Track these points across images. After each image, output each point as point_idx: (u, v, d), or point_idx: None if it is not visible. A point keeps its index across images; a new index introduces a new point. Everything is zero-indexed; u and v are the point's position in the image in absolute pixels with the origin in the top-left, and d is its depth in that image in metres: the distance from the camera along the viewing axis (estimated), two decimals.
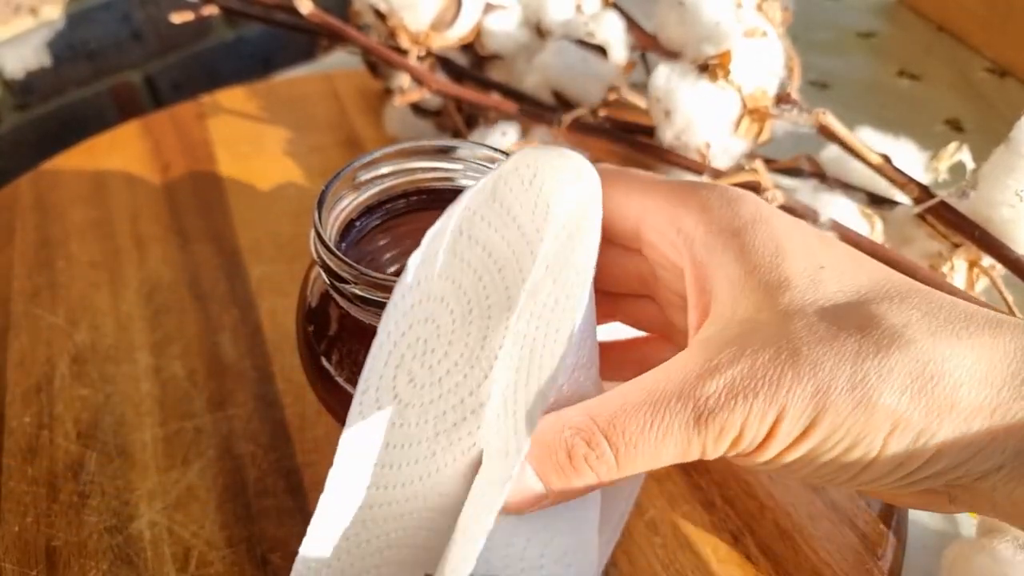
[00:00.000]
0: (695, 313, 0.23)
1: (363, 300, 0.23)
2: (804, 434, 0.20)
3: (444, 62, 0.47)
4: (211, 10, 0.48)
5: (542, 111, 0.42)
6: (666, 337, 0.28)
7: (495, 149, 0.26)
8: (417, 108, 0.48)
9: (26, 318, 0.40)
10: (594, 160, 0.24)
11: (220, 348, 0.38)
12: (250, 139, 0.51)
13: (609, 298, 0.27)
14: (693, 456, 0.20)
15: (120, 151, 0.51)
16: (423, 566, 0.26)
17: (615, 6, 0.46)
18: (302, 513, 0.32)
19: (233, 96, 0.55)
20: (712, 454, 0.20)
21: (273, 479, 0.33)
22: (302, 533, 0.31)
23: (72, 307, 0.41)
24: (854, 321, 0.20)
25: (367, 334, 0.24)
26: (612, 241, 0.25)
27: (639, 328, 0.29)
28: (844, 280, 0.21)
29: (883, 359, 0.19)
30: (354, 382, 0.25)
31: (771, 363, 0.20)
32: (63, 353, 0.39)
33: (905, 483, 0.20)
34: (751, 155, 0.38)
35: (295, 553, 0.30)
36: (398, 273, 0.27)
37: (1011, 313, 0.33)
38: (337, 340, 0.26)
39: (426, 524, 0.24)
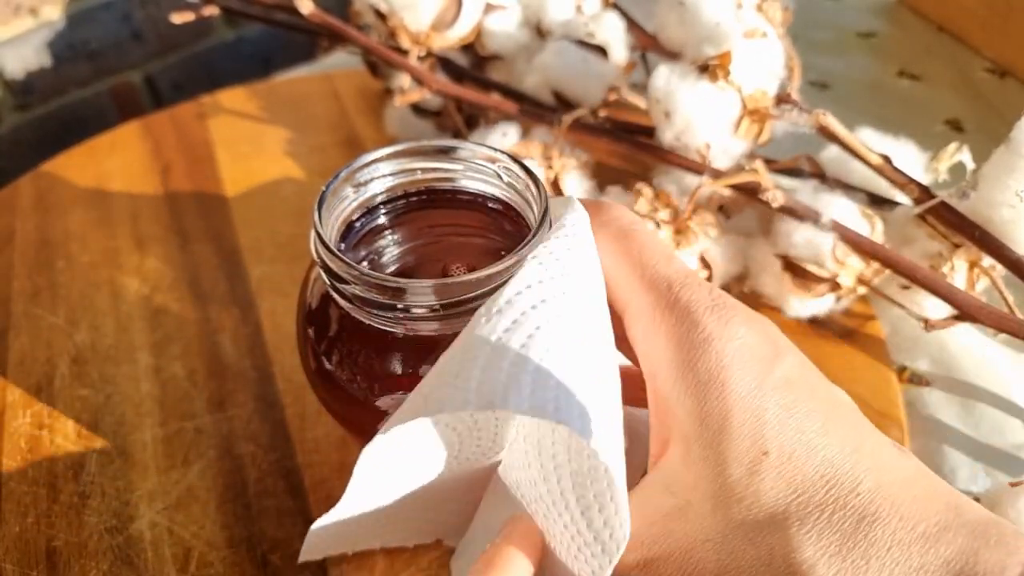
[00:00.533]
0: (656, 440, 0.23)
1: (363, 301, 0.23)
2: None
3: (444, 62, 0.47)
4: (211, 10, 0.48)
5: (542, 111, 0.42)
6: None
7: (495, 149, 0.26)
8: (417, 108, 0.48)
9: (26, 318, 0.40)
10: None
11: (220, 348, 0.38)
12: (250, 139, 0.51)
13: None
14: None
15: (120, 151, 0.51)
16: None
17: (615, 6, 0.46)
18: (302, 513, 0.32)
19: (233, 96, 0.55)
20: None
21: (273, 479, 0.33)
22: (302, 533, 0.31)
23: (72, 307, 0.41)
24: (767, 543, 0.20)
25: (367, 335, 0.24)
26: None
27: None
28: (784, 473, 0.20)
29: None
30: (354, 382, 0.25)
31: (684, 560, 0.21)
32: (63, 353, 0.39)
33: None
34: (751, 155, 0.38)
35: (295, 553, 0.31)
36: (399, 274, 0.27)
37: (1011, 312, 0.33)
38: (337, 341, 0.26)
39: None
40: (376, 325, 0.24)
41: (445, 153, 0.27)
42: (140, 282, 0.42)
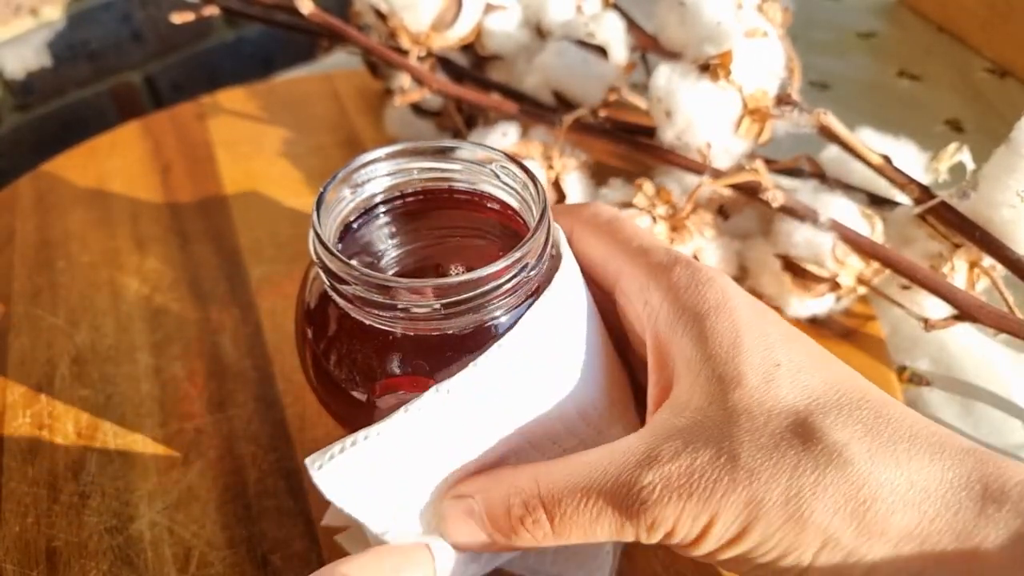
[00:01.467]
0: (655, 389, 0.23)
1: (362, 301, 0.23)
2: (736, 538, 0.20)
3: (444, 62, 0.47)
4: (211, 10, 0.48)
5: (542, 111, 0.42)
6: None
7: (494, 149, 0.26)
8: (417, 108, 0.48)
9: (26, 319, 0.40)
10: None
11: (220, 348, 0.38)
12: (250, 139, 0.51)
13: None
14: (627, 539, 0.21)
15: (120, 152, 0.51)
16: None
17: (615, 6, 0.46)
18: (302, 514, 0.32)
19: (233, 97, 0.55)
20: (646, 541, 0.21)
21: (273, 480, 0.33)
22: (303, 534, 0.31)
23: (72, 307, 0.41)
24: (797, 431, 0.20)
25: (366, 335, 0.24)
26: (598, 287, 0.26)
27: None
28: (797, 381, 0.21)
29: (819, 477, 0.20)
30: (354, 382, 0.25)
31: (709, 465, 0.20)
32: (63, 354, 0.39)
33: None
34: (751, 155, 0.38)
35: (295, 554, 0.31)
36: (398, 274, 0.27)
37: (1011, 312, 0.33)
38: (336, 341, 0.26)
39: None
40: (375, 325, 0.24)
41: (444, 153, 0.27)
42: (140, 282, 0.42)
